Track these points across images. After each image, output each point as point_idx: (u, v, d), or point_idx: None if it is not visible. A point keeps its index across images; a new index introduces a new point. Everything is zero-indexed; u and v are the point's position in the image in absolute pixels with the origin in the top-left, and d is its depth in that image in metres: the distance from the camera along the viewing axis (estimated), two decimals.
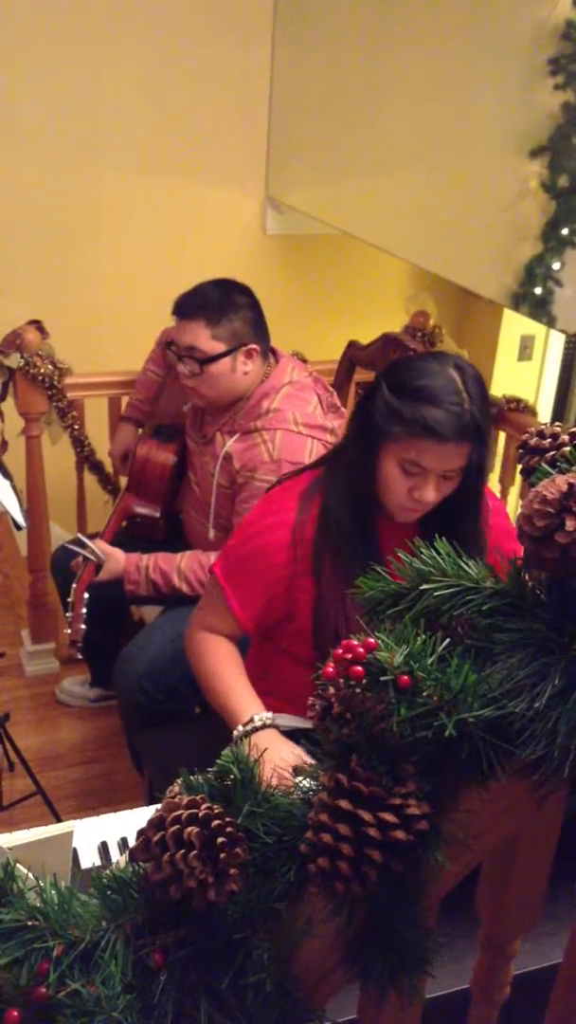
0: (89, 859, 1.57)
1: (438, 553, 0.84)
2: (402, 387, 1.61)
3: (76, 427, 2.98)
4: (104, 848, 1.58)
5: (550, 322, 2.67)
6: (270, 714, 1.68)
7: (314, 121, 3.43)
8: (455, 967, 1.32)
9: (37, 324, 2.87)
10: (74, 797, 2.70)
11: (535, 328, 3.85)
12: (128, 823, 1.63)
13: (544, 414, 3.94)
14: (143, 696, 2.26)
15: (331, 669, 0.77)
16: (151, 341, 2.83)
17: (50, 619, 3.15)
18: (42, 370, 2.84)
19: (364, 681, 0.77)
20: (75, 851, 1.56)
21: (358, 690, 0.77)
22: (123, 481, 3.07)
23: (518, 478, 2.79)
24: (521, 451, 0.86)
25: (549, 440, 0.83)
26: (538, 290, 2.58)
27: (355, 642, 0.77)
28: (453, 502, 1.68)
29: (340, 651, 0.77)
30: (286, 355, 2.44)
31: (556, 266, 2.52)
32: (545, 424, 0.86)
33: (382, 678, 0.75)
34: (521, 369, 3.89)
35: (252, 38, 3.44)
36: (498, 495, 2.57)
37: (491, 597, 0.81)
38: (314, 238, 3.71)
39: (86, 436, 3.02)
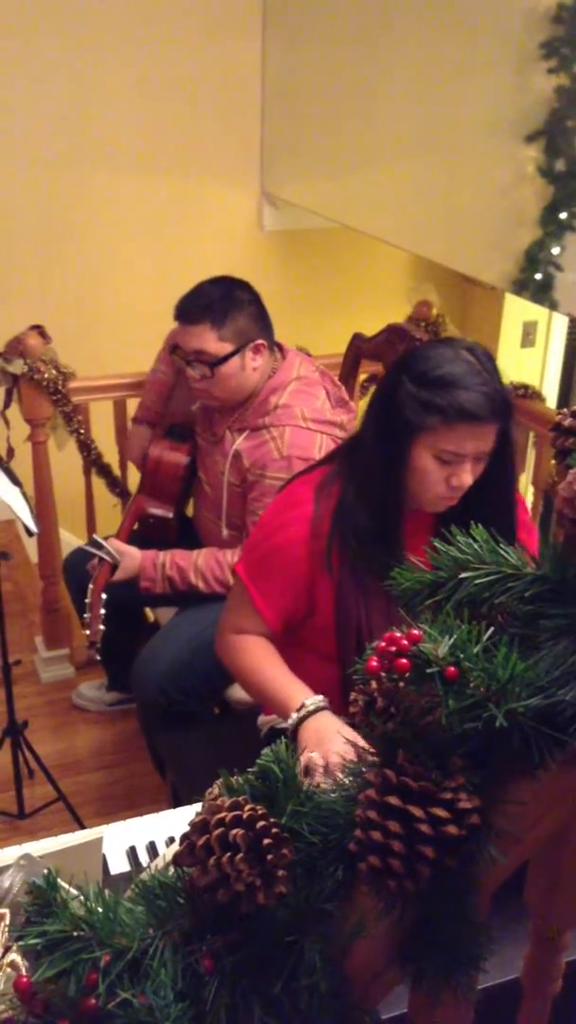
0: (118, 865, 1.55)
1: (475, 540, 0.83)
2: (424, 378, 1.60)
3: (82, 431, 2.96)
4: (133, 853, 1.57)
5: (553, 305, 2.65)
6: (321, 697, 1.66)
7: (308, 114, 3.41)
8: (494, 960, 1.30)
9: (39, 329, 2.85)
10: (95, 802, 2.69)
11: (537, 314, 3.83)
12: (155, 827, 1.61)
13: (549, 400, 3.92)
14: (162, 698, 2.25)
15: (374, 662, 0.75)
16: (153, 341, 2.81)
17: (63, 624, 3.14)
18: (46, 375, 2.82)
19: (408, 674, 0.75)
20: (103, 857, 1.54)
21: (401, 683, 0.76)
22: (132, 483, 3.06)
23: (529, 464, 2.78)
24: (554, 433, 0.84)
25: None
26: (539, 275, 2.56)
27: (398, 634, 0.75)
28: (482, 487, 1.67)
29: (383, 644, 0.75)
30: (292, 350, 2.43)
31: (556, 251, 2.51)
32: None
33: (428, 670, 0.73)
34: (525, 356, 3.87)
35: (242, 32, 3.42)
36: None
37: (533, 583, 0.79)
38: (312, 232, 3.69)
39: (92, 440, 3.01)
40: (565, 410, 0.84)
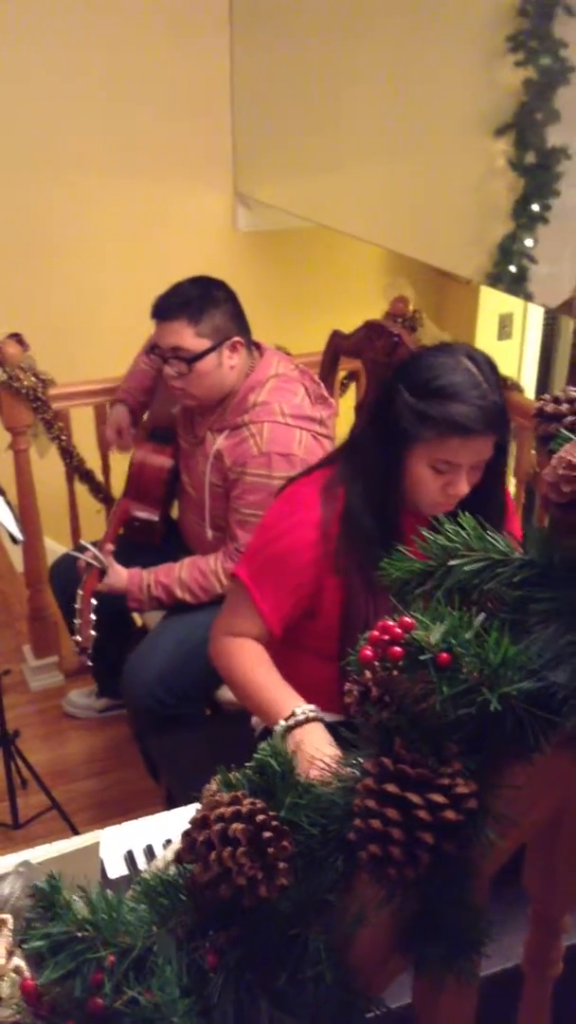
0: (116, 869, 1.55)
1: (462, 528, 0.83)
2: (423, 388, 1.61)
3: (63, 438, 2.96)
4: (130, 857, 1.57)
5: (528, 297, 2.67)
6: (312, 707, 1.66)
7: (278, 114, 3.41)
8: (493, 947, 1.32)
9: (17, 337, 2.85)
10: (89, 809, 2.68)
11: (513, 306, 3.85)
12: (151, 831, 1.61)
13: (527, 392, 3.94)
14: (154, 702, 2.25)
15: (368, 651, 0.76)
16: (130, 345, 2.81)
17: (51, 632, 3.13)
18: (25, 383, 2.82)
19: (401, 662, 0.75)
20: (101, 862, 1.54)
21: (395, 672, 0.76)
22: (115, 489, 3.05)
23: (511, 454, 2.79)
24: (538, 419, 0.85)
25: (566, 405, 0.83)
26: (513, 268, 2.58)
27: (391, 623, 0.75)
28: (478, 487, 1.68)
29: (376, 633, 0.75)
30: (270, 348, 2.43)
31: (529, 243, 2.53)
32: (561, 390, 0.85)
33: (421, 657, 0.74)
34: (502, 348, 3.89)
35: (209, 34, 3.42)
36: None
37: (521, 569, 0.80)
38: (287, 232, 3.70)
39: (74, 446, 3.00)
40: (547, 396, 0.85)
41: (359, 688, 0.78)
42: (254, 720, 2.00)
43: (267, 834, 0.77)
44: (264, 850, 0.76)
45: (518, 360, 4.00)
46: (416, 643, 0.74)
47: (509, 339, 3.93)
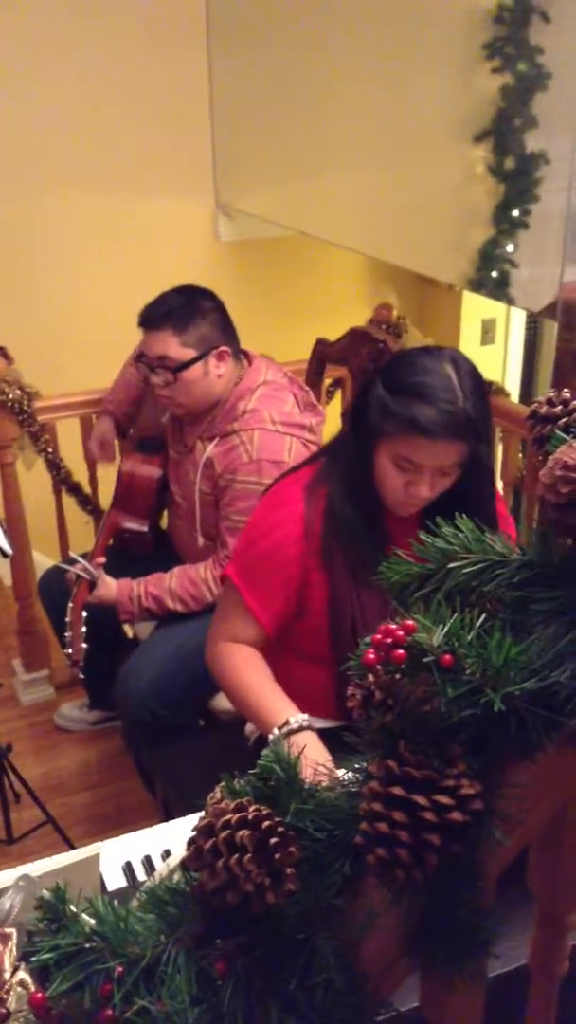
0: (115, 881, 1.54)
1: (460, 531, 0.84)
2: (396, 384, 1.61)
3: (50, 450, 2.95)
4: (129, 868, 1.56)
5: (510, 302, 2.69)
6: (305, 716, 1.66)
7: (258, 124, 3.42)
8: (499, 948, 1.32)
9: (1, 351, 2.84)
10: (84, 822, 2.67)
11: (495, 311, 3.87)
12: (149, 841, 1.61)
13: (513, 396, 3.96)
14: (148, 714, 2.24)
15: (371, 655, 0.76)
16: (114, 355, 2.81)
17: (41, 646, 3.12)
18: (10, 396, 2.81)
19: (404, 665, 0.76)
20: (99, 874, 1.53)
21: (398, 675, 0.77)
22: (103, 500, 3.05)
23: (498, 459, 2.81)
24: (531, 421, 0.86)
25: (560, 407, 0.83)
26: (494, 273, 2.60)
27: (393, 626, 0.76)
28: (461, 496, 1.67)
29: (379, 636, 0.76)
30: (259, 356, 2.44)
31: (510, 248, 2.55)
32: (552, 391, 0.86)
33: (424, 659, 0.74)
34: (485, 353, 3.91)
35: (187, 46, 3.43)
36: None
37: (520, 569, 0.80)
38: (269, 241, 3.70)
39: (61, 458, 3.00)
40: (540, 398, 0.86)
41: (362, 692, 0.79)
42: (248, 729, 2.00)
43: (273, 840, 0.77)
44: (271, 856, 0.76)
45: (502, 364, 4.02)
46: (419, 646, 0.75)
47: (492, 344, 3.95)
